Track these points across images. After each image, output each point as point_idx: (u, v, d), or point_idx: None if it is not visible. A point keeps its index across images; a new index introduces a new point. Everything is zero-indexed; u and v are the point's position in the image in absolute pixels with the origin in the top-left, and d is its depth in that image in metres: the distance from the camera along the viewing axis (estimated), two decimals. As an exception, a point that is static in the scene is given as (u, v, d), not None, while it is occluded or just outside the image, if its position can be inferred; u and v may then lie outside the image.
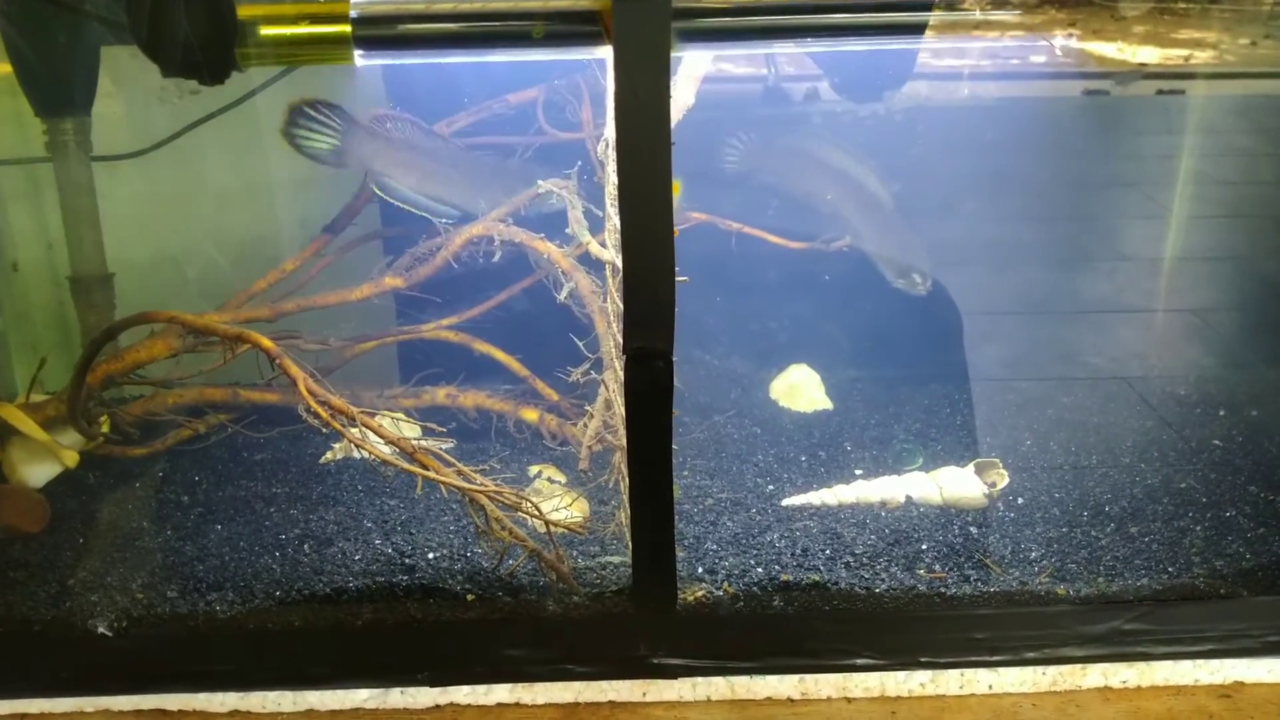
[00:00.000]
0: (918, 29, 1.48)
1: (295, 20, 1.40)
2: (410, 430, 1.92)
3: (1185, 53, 2.10)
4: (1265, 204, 2.47)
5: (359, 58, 1.42)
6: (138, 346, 1.90)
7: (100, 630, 1.57)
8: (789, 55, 2.15)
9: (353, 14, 1.40)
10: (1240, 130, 2.38)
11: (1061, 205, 2.47)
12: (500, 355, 2.05)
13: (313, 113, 1.81)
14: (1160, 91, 2.25)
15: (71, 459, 1.93)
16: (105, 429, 1.97)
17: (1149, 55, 2.10)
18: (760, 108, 2.20)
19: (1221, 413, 2.18)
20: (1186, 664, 1.64)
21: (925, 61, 2.06)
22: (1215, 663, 1.64)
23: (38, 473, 1.92)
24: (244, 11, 1.39)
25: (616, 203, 1.37)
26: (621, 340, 1.42)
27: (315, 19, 1.41)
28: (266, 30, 1.40)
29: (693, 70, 1.60)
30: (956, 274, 2.23)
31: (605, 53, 1.33)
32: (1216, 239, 2.47)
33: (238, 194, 2.20)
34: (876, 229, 2.12)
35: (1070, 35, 1.47)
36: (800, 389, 2.24)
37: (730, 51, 1.62)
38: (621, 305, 1.39)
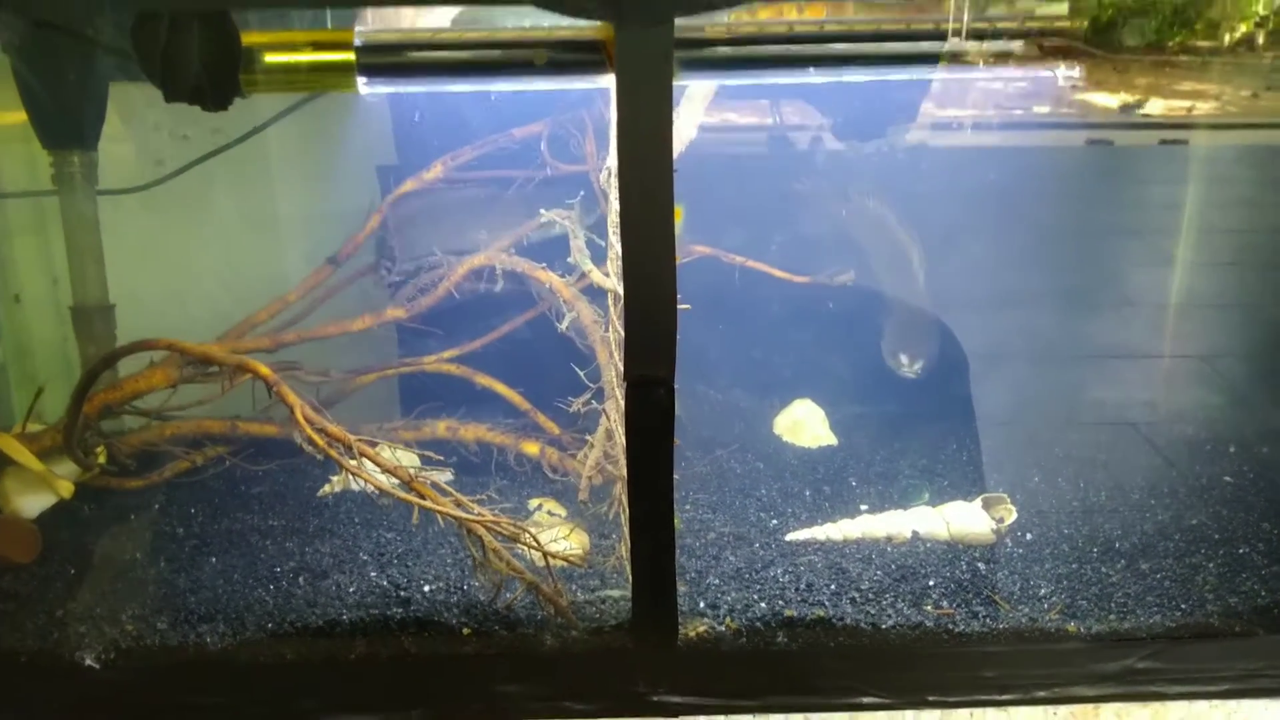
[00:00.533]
0: (917, 60, 1.49)
1: (299, 47, 1.41)
2: (408, 460, 1.89)
3: (1188, 104, 2.12)
4: (1269, 252, 2.47)
5: (362, 85, 1.43)
6: (136, 376, 1.90)
7: (88, 662, 1.54)
8: (794, 106, 2.19)
9: (357, 41, 1.41)
10: (1243, 180, 2.39)
11: (1060, 250, 2.47)
12: (502, 389, 2.04)
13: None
14: (1163, 141, 2.27)
15: (66, 489, 1.91)
16: (102, 460, 1.96)
17: (1152, 106, 2.13)
18: (766, 148, 2.23)
19: (1232, 449, 2.16)
20: (1202, 704, 1.60)
21: (927, 108, 2.09)
22: (1232, 704, 1.60)
23: (32, 503, 1.90)
24: (248, 38, 1.40)
25: (619, 230, 1.36)
26: (622, 368, 1.40)
27: (319, 46, 1.42)
28: (270, 57, 1.42)
29: (696, 105, 1.61)
30: (958, 317, 2.23)
31: (608, 81, 1.34)
32: (1221, 286, 2.46)
33: (242, 228, 2.21)
34: (902, 303, 2.14)
35: (1073, 66, 1.48)
36: (804, 424, 2.22)
37: (733, 81, 1.63)
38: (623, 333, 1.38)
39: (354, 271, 2.06)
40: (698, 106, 1.54)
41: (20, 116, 1.89)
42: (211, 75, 1.32)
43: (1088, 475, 2.06)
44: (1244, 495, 1.98)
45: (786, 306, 2.21)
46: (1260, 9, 1.62)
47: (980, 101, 2.12)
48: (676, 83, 1.26)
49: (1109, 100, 2.10)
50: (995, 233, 2.28)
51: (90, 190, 2.00)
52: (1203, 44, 1.63)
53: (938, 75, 1.60)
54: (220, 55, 1.33)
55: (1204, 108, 2.12)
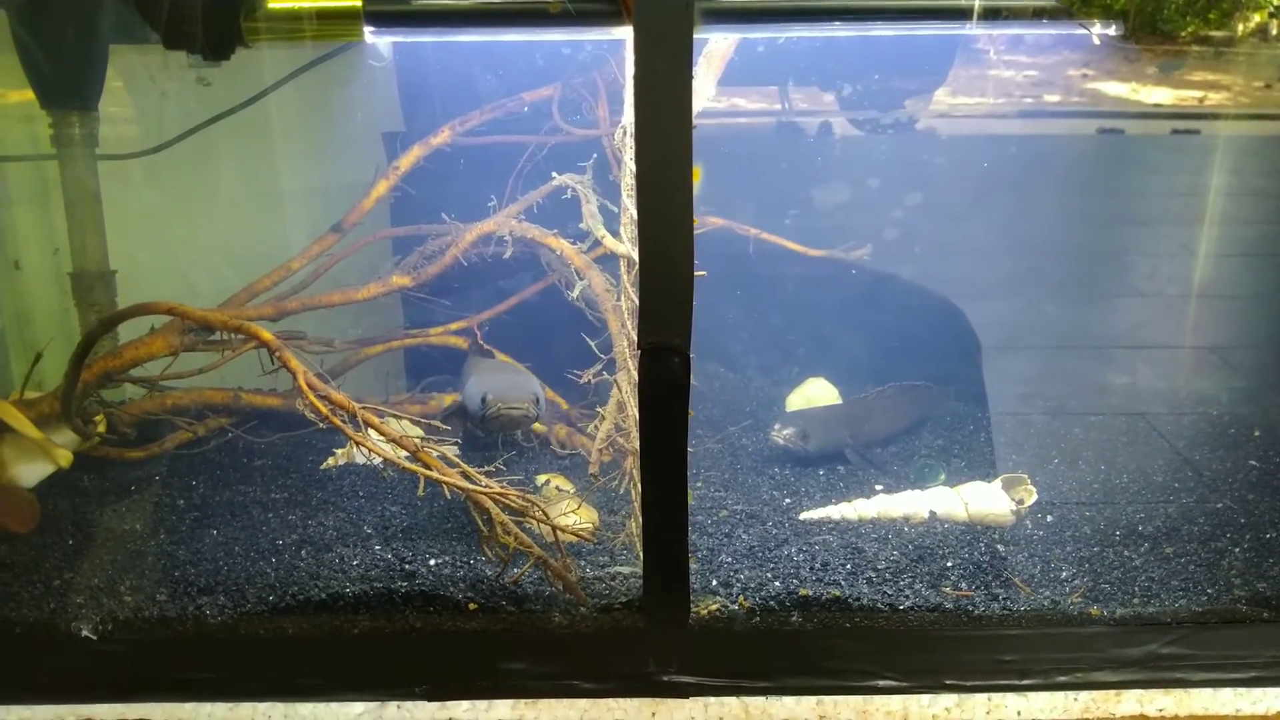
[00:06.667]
0: (941, 14, 1.43)
1: (304, -7, 1.36)
2: (412, 433, 1.85)
3: (1200, 94, 2.09)
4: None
5: (369, 34, 1.38)
6: (136, 343, 1.85)
7: (84, 634, 1.50)
8: (802, 90, 2.13)
9: (364, -13, 1.36)
10: (1254, 170, 2.34)
11: (1067, 236, 2.41)
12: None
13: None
14: (1175, 131, 2.23)
15: (65, 459, 1.87)
16: (102, 429, 1.91)
17: (1163, 96, 2.11)
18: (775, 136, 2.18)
19: (1257, 433, 2.11)
20: (1227, 692, 1.55)
21: (940, 97, 2.04)
22: (1258, 691, 1.55)
23: (29, 472, 1.86)
24: (250, -17, 1.35)
25: (633, 193, 1.31)
26: (636, 337, 1.35)
27: (325, -8, 1.36)
28: (274, 3, 1.36)
29: (715, 63, 1.55)
30: (971, 306, 2.18)
31: (624, 33, 1.28)
32: (1231, 276, 2.41)
33: (246, 196, 2.16)
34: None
35: (1110, 24, 1.42)
36: (818, 403, 2.17)
37: (754, 35, 1.57)
38: (636, 300, 1.33)
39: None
40: (716, 65, 1.48)
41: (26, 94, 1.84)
42: (212, 21, 1.27)
43: (1109, 457, 2.02)
44: (1271, 480, 1.93)
45: (802, 282, 2.17)
46: (1275, -1, 1.57)
47: (994, 83, 2.08)
48: (696, 35, 1.20)
49: (1121, 90, 2.07)
50: (992, 218, 2.24)
51: (90, 153, 1.95)
52: (1216, 34, 1.58)
53: (964, 31, 1.55)
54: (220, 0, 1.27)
55: (1216, 98, 2.10)
